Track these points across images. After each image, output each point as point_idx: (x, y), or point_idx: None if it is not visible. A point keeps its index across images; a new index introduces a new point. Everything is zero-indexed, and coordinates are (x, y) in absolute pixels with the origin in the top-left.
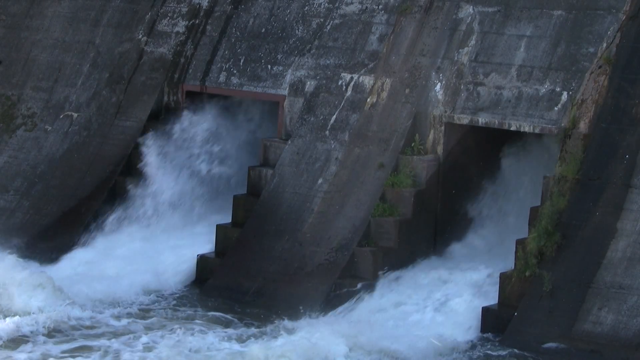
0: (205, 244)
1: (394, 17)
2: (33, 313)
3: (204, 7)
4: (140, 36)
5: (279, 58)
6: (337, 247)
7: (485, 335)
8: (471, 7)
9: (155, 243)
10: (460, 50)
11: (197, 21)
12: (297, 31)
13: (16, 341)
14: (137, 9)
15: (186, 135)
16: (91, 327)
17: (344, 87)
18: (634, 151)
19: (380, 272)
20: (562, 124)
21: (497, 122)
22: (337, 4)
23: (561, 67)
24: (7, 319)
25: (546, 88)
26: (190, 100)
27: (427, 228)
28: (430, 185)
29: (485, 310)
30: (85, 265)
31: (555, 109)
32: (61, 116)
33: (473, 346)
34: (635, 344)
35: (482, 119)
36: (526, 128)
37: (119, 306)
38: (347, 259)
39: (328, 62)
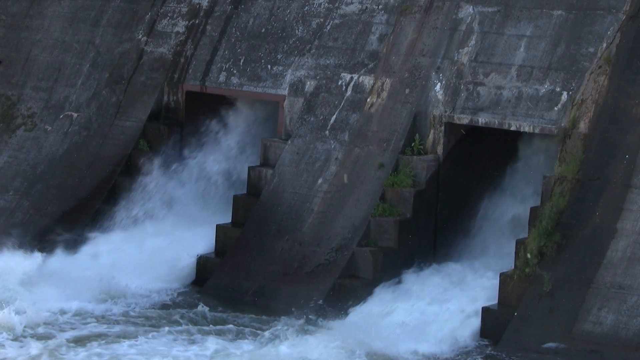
0: None
1: (394, 17)
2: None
3: (204, 7)
4: (140, 36)
5: (279, 58)
6: (337, 247)
7: (485, 335)
8: (471, 7)
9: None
10: (460, 50)
11: (197, 21)
12: (297, 31)
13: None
14: (137, 9)
15: None
16: (86, 327)
17: (344, 87)
18: (634, 151)
19: (380, 272)
20: (562, 124)
21: (497, 122)
22: (337, 4)
23: (561, 67)
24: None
25: (546, 88)
26: None
27: (427, 228)
28: (430, 185)
29: (485, 310)
30: (84, 265)
31: (555, 109)
32: (61, 116)
33: (473, 346)
34: (635, 344)
35: (482, 119)
36: (526, 128)
37: (118, 305)
38: (347, 259)
39: (328, 62)
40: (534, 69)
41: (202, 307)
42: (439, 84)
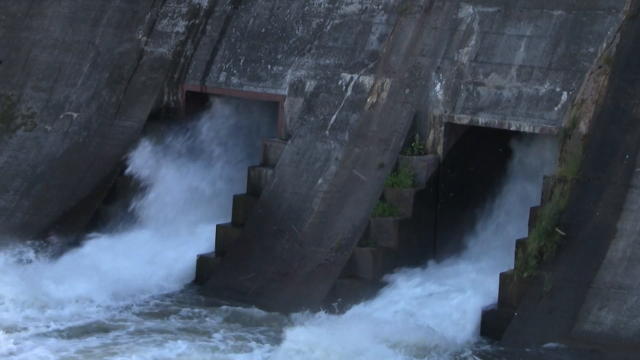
0: None
1: (394, 17)
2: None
3: (204, 7)
4: (140, 36)
5: (279, 58)
6: (337, 247)
7: (485, 335)
8: (471, 7)
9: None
10: (460, 50)
11: (197, 21)
12: (297, 31)
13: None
14: (137, 9)
15: None
16: (87, 327)
17: (344, 87)
18: (634, 151)
19: (379, 272)
20: (562, 124)
21: (497, 122)
22: (337, 4)
23: (561, 67)
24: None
25: (546, 88)
26: None
27: (427, 228)
28: (430, 185)
29: (485, 311)
30: (84, 264)
31: (555, 109)
32: (61, 116)
33: (473, 346)
34: (635, 344)
35: (482, 119)
36: (526, 128)
37: (118, 306)
38: (347, 259)
39: (328, 62)
40: (534, 69)
41: (202, 307)
42: (439, 84)
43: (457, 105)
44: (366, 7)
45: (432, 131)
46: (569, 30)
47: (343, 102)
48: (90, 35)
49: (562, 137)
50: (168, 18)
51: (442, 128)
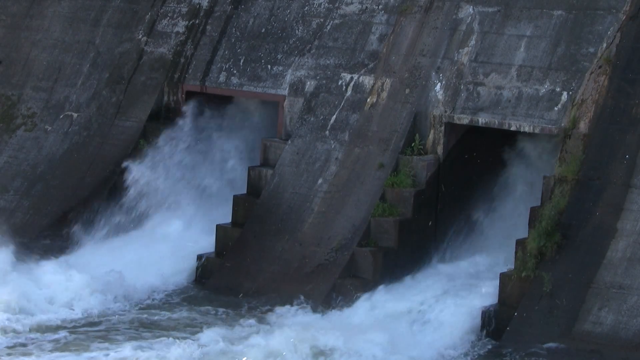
0: None
1: (394, 17)
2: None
3: (204, 7)
4: (140, 36)
5: (279, 58)
6: (337, 247)
7: (485, 335)
8: (471, 7)
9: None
10: (460, 50)
11: (197, 21)
12: (297, 31)
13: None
14: (137, 9)
15: None
16: (86, 327)
17: (344, 87)
18: (634, 151)
19: (379, 272)
20: (562, 124)
21: (497, 122)
22: (337, 4)
23: (561, 67)
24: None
25: (546, 88)
26: None
27: (427, 228)
28: (430, 185)
29: (485, 311)
30: (85, 265)
31: (555, 109)
32: (61, 116)
33: (473, 346)
34: (635, 344)
35: (482, 119)
36: (526, 128)
37: (118, 305)
38: (347, 259)
39: (328, 62)
40: (534, 69)
41: (202, 307)
42: (439, 84)
43: (457, 105)
44: (366, 7)
45: (432, 131)
46: (569, 30)
47: (343, 102)
48: (90, 35)
49: (562, 137)
50: (168, 18)
51: (442, 128)
